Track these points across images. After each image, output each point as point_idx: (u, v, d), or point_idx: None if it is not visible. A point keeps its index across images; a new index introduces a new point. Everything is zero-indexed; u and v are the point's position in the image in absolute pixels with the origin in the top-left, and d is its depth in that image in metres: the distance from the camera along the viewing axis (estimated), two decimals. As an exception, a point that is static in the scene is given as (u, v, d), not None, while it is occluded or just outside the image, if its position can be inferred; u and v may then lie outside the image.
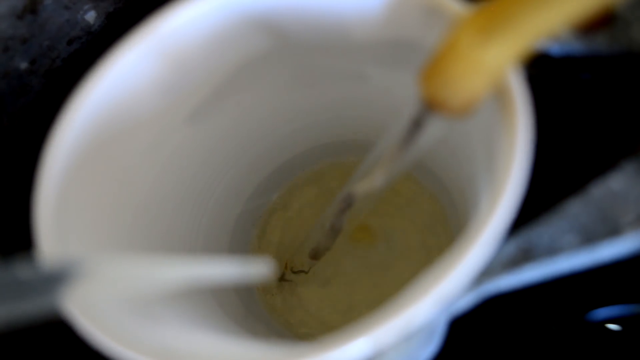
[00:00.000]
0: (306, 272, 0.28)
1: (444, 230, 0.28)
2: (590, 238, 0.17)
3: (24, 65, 0.24)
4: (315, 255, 0.27)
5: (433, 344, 0.20)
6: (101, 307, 0.15)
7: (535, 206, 0.17)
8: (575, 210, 0.17)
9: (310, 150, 0.29)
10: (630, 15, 0.19)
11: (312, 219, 0.30)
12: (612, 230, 0.17)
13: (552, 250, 0.17)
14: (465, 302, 0.18)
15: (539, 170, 0.16)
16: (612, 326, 0.26)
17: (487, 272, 0.17)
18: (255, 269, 0.17)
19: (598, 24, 0.20)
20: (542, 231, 0.17)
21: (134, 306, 0.17)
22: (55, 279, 0.13)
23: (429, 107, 0.16)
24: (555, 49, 0.20)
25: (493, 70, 0.14)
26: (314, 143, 0.28)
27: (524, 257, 0.17)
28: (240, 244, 0.29)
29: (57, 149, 0.17)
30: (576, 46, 0.20)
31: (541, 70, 0.21)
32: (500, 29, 0.13)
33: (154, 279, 0.14)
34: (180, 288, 0.15)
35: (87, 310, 0.15)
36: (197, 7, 0.18)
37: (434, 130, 0.16)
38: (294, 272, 0.28)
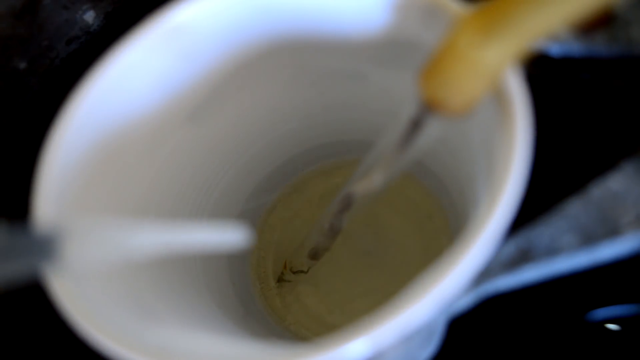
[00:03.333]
0: (305, 272, 0.28)
1: (443, 230, 0.28)
2: (589, 238, 0.17)
3: (22, 65, 0.24)
4: (315, 256, 0.27)
5: (432, 344, 0.20)
6: (101, 308, 0.15)
7: (534, 206, 0.17)
8: (575, 210, 0.17)
9: (310, 150, 0.29)
10: (630, 15, 0.19)
11: (312, 219, 0.30)
12: (612, 231, 0.17)
13: (551, 251, 0.17)
14: (465, 302, 0.18)
15: (538, 170, 0.16)
16: (612, 326, 0.26)
17: (487, 272, 0.17)
18: (231, 235, 0.17)
19: (597, 24, 0.20)
20: (542, 231, 0.17)
21: (132, 305, 0.17)
22: (40, 242, 0.13)
23: (428, 107, 0.16)
24: (554, 49, 0.20)
25: (492, 71, 0.14)
26: (314, 143, 0.28)
27: (524, 257, 0.17)
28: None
29: (56, 149, 0.17)
30: (575, 46, 0.20)
31: (540, 70, 0.21)
32: (499, 29, 0.13)
33: (132, 241, 0.14)
34: (160, 253, 0.15)
35: (86, 311, 0.15)
36: (197, 7, 0.18)
37: (433, 130, 0.16)
38: (293, 273, 0.28)
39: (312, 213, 0.30)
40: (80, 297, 0.15)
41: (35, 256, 0.13)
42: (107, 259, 0.14)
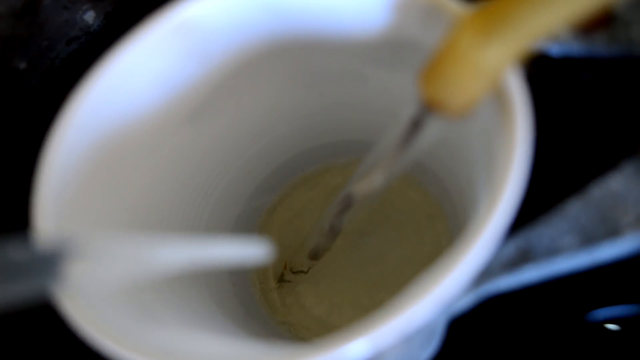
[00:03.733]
0: (305, 273, 0.28)
1: (444, 231, 0.28)
2: (589, 239, 0.17)
3: (22, 65, 0.24)
4: (315, 256, 0.27)
5: (432, 345, 0.20)
6: (100, 308, 0.15)
7: (534, 207, 0.17)
8: (575, 210, 0.17)
9: (310, 151, 0.29)
10: (630, 16, 0.19)
11: (312, 219, 0.30)
12: (612, 231, 0.17)
13: (551, 251, 0.17)
14: (465, 302, 0.18)
15: (538, 170, 0.16)
16: (612, 326, 0.26)
17: (487, 272, 0.17)
18: (255, 250, 0.16)
19: (597, 24, 0.20)
20: (542, 232, 0.17)
21: (132, 306, 0.17)
22: (50, 259, 0.12)
23: (428, 107, 0.16)
24: (554, 49, 0.20)
25: (492, 71, 0.14)
26: (314, 143, 0.28)
27: (524, 257, 0.17)
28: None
29: (56, 149, 0.17)
30: (575, 46, 0.20)
31: (540, 71, 0.21)
32: (499, 29, 0.13)
33: (152, 259, 0.14)
34: (180, 270, 0.15)
35: (86, 311, 0.15)
36: (199, 6, 0.18)
37: (433, 130, 0.16)
38: (294, 273, 0.28)
39: (312, 213, 0.30)
40: (81, 297, 0.15)
41: (42, 275, 0.12)
42: (127, 277, 0.14)
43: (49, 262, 0.12)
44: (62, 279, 0.13)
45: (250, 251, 0.16)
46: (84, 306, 0.15)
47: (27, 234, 0.16)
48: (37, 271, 0.12)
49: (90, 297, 0.15)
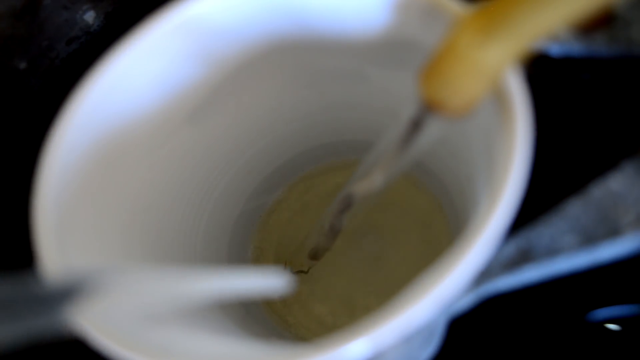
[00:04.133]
0: (306, 272, 0.28)
1: (444, 231, 0.28)
2: (590, 238, 0.17)
3: (22, 65, 0.24)
4: (315, 256, 0.27)
5: (432, 345, 0.20)
6: (100, 307, 0.15)
7: (534, 206, 0.17)
8: (575, 210, 0.17)
9: (310, 151, 0.29)
10: (630, 16, 0.19)
11: (312, 219, 0.30)
12: (612, 231, 0.17)
13: (551, 251, 0.17)
14: (465, 302, 0.18)
15: (538, 170, 0.16)
16: (612, 326, 0.26)
17: (487, 272, 0.17)
18: (274, 281, 0.16)
19: (597, 24, 0.20)
20: (542, 231, 0.17)
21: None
22: (67, 294, 0.12)
23: (428, 107, 0.15)
24: (554, 49, 0.20)
25: (492, 71, 0.14)
26: (314, 143, 0.28)
27: (524, 257, 0.17)
28: (240, 244, 0.29)
29: (57, 149, 0.17)
30: (576, 46, 0.20)
31: (541, 71, 0.21)
32: (499, 29, 0.13)
33: (174, 293, 0.14)
34: (199, 303, 0.14)
35: (85, 310, 0.15)
36: (197, 7, 0.18)
37: (433, 130, 0.16)
38: (294, 273, 0.28)
39: (312, 213, 0.30)
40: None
41: (55, 313, 0.11)
42: (148, 310, 0.13)
43: (67, 298, 0.12)
44: (78, 314, 0.12)
45: (271, 283, 0.16)
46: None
47: (28, 234, 0.16)
48: (53, 307, 0.12)
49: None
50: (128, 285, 0.13)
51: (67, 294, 0.12)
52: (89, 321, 0.14)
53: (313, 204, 0.30)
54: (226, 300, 0.19)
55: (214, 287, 0.14)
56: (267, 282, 0.16)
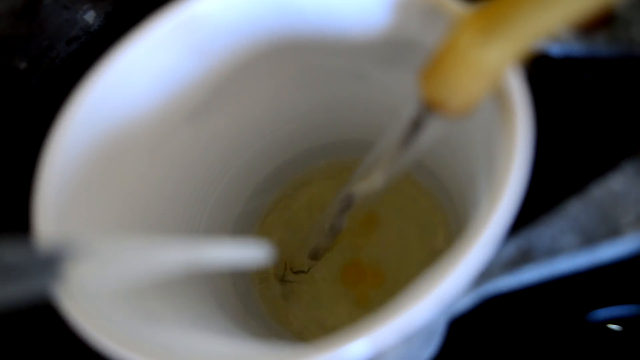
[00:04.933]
0: (306, 272, 0.28)
1: (444, 231, 0.28)
2: (590, 238, 0.17)
3: (23, 64, 0.24)
4: (315, 256, 0.27)
5: (433, 345, 0.20)
6: (101, 308, 0.15)
7: (535, 207, 0.17)
8: (576, 210, 0.17)
9: (310, 150, 0.29)
10: (630, 16, 0.19)
11: (312, 219, 0.30)
12: (613, 231, 0.17)
13: (552, 251, 0.17)
14: (465, 302, 0.18)
15: (539, 170, 0.16)
16: (613, 326, 0.26)
17: (487, 272, 0.17)
18: (255, 252, 0.16)
19: (598, 24, 0.19)
20: (542, 232, 0.17)
21: (132, 305, 0.17)
22: (50, 261, 0.12)
23: (429, 107, 0.15)
24: (555, 49, 0.20)
25: (493, 71, 0.14)
26: (314, 143, 0.28)
27: (524, 257, 0.17)
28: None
29: (57, 149, 0.17)
30: (576, 46, 0.20)
31: (541, 71, 0.21)
32: (500, 29, 0.13)
33: (153, 261, 0.14)
34: (180, 271, 0.15)
35: (86, 311, 0.15)
36: (197, 7, 0.18)
37: (434, 130, 0.16)
38: (294, 273, 0.28)
39: (312, 213, 0.30)
40: (81, 297, 0.15)
41: (45, 276, 0.12)
42: (127, 278, 0.14)
43: (50, 264, 0.12)
44: (62, 280, 0.13)
45: (249, 253, 0.16)
46: (84, 306, 0.15)
47: (28, 234, 0.16)
48: (37, 272, 0.12)
49: (90, 298, 0.15)
50: (105, 252, 0.13)
51: (48, 260, 0.12)
52: (89, 321, 0.14)
53: (313, 204, 0.30)
54: (206, 270, 0.19)
55: (191, 256, 0.14)
56: (245, 252, 0.16)
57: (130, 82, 0.18)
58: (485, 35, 0.13)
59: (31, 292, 0.12)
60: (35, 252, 0.12)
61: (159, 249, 0.14)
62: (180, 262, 0.14)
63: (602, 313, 0.26)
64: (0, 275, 0.12)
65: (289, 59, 0.21)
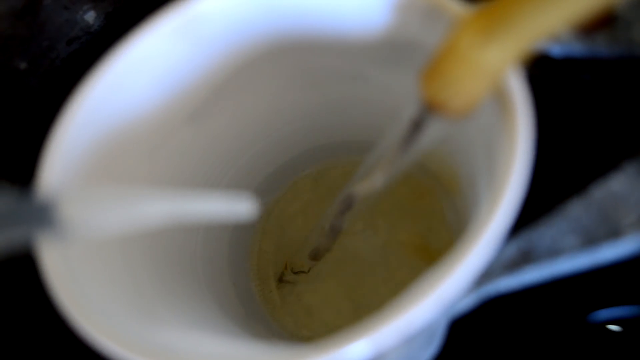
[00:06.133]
0: (306, 273, 0.28)
1: (444, 231, 0.28)
2: (591, 239, 0.17)
3: (23, 65, 0.24)
4: (316, 256, 0.27)
5: (434, 346, 0.20)
6: (102, 308, 0.15)
7: (536, 207, 0.17)
8: (576, 211, 0.17)
9: (310, 151, 0.29)
10: (631, 16, 0.19)
11: (312, 219, 0.30)
12: (613, 232, 0.17)
13: (553, 252, 0.17)
14: (466, 303, 0.18)
15: (539, 171, 0.16)
16: (613, 327, 0.26)
17: (488, 273, 0.17)
18: (240, 205, 0.16)
19: (598, 24, 0.19)
20: (543, 232, 0.17)
21: (133, 306, 0.17)
22: (40, 207, 0.13)
23: (429, 108, 0.15)
24: (555, 49, 0.20)
25: (493, 71, 0.14)
26: (314, 143, 0.28)
27: (525, 258, 0.17)
28: (240, 244, 0.29)
29: (57, 149, 0.17)
30: (577, 47, 0.20)
31: (542, 71, 0.21)
32: (500, 30, 0.13)
33: (138, 208, 0.14)
34: (164, 222, 0.15)
35: (87, 311, 0.15)
36: (198, 7, 0.18)
37: (434, 131, 0.16)
38: (294, 273, 0.28)
39: (313, 213, 0.30)
40: (81, 297, 0.15)
41: (35, 222, 0.13)
42: (113, 225, 0.14)
43: (40, 210, 0.13)
44: (52, 226, 0.13)
45: (235, 206, 0.16)
46: (85, 306, 0.15)
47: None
48: (27, 218, 0.13)
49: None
50: (91, 197, 0.13)
51: (38, 207, 0.13)
52: (89, 321, 0.14)
53: (313, 205, 0.30)
54: (191, 223, 0.19)
55: (177, 206, 0.15)
56: (230, 205, 0.16)
57: (130, 82, 0.18)
58: (485, 35, 0.13)
59: (22, 239, 0.12)
60: (24, 199, 0.13)
61: (145, 198, 0.14)
62: (166, 212, 0.14)
63: (603, 314, 0.26)
64: None
65: (290, 59, 0.21)
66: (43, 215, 0.13)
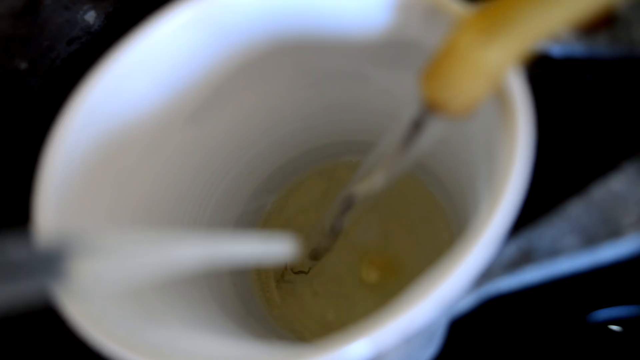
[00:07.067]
0: (306, 273, 0.28)
1: (444, 232, 0.28)
2: (591, 239, 0.17)
3: (23, 65, 0.24)
4: (316, 256, 0.27)
5: (434, 345, 0.20)
6: (101, 307, 0.15)
7: (536, 207, 0.17)
8: (576, 211, 0.17)
9: (311, 151, 0.29)
10: (631, 16, 0.19)
11: (312, 219, 0.30)
12: (613, 232, 0.17)
13: (553, 252, 0.17)
14: (466, 303, 0.18)
15: (540, 171, 0.16)
16: (614, 327, 0.26)
17: (488, 273, 0.17)
18: (276, 245, 0.15)
19: (599, 25, 0.19)
20: (543, 232, 0.17)
21: (133, 306, 0.17)
22: (53, 257, 0.12)
23: (430, 108, 0.15)
24: (556, 49, 0.20)
25: (494, 72, 0.14)
26: (315, 143, 0.28)
27: (525, 258, 0.17)
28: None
29: (57, 149, 0.17)
30: (577, 47, 0.20)
31: (542, 71, 0.21)
32: (501, 30, 0.13)
33: (167, 256, 0.12)
34: (196, 269, 0.13)
35: (86, 311, 0.15)
36: (198, 8, 0.18)
37: (435, 131, 0.16)
38: (294, 273, 0.28)
39: (313, 213, 0.30)
40: (83, 298, 0.15)
41: (44, 275, 0.11)
42: (137, 276, 0.12)
43: (52, 261, 0.12)
44: (66, 278, 0.12)
45: (272, 247, 0.15)
46: (84, 305, 0.15)
47: (29, 232, 0.16)
48: (39, 270, 0.11)
49: (94, 297, 0.14)
50: (114, 247, 0.12)
51: (52, 257, 0.11)
52: (89, 321, 0.14)
53: (313, 205, 0.30)
54: (226, 267, 0.18)
55: (212, 251, 0.13)
56: (267, 247, 0.15)
57: (131, 82, 0.18)
58: (486, 36, 0.13)
59: (33, 291, 0.11)
60: (38, 249, 0.12)
61: (175, 243, 0.13)
62: (199, 257, 0.13)
63: (603, 314, 0.26)
64: (1, 272, 0.11)
65: (290, 59, 0.21)
66: (55, 266, 0.11)
